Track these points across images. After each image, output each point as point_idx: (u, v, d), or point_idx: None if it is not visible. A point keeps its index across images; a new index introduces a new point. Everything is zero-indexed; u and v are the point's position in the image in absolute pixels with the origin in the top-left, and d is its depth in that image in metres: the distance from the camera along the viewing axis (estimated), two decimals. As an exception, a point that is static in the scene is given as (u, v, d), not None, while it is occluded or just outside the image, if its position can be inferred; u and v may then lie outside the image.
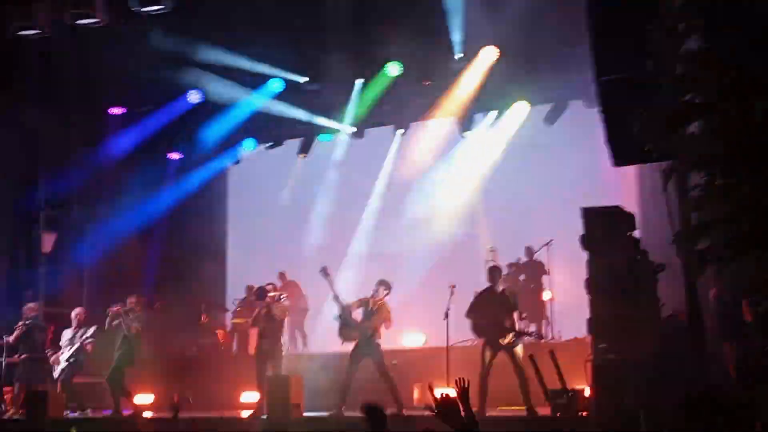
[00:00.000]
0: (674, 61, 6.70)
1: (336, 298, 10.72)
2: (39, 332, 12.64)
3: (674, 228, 6.77)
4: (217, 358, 14.34)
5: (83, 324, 12.26)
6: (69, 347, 12.10)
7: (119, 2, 11.17)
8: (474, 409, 4.54)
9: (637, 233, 8.62)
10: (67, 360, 12.04)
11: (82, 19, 11.34)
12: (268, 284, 11.46)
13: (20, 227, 15.33)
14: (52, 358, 12.29)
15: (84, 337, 12.05)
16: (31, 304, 12.76)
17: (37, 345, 12.50)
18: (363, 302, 10.73)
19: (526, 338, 10.02)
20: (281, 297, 11.36)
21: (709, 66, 5.01)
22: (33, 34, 11.64)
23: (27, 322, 12.41)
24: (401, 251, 15.04)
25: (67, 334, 12.28)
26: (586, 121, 13.51)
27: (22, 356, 12.33)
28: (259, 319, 11.11)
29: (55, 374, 12.14)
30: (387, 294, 10.73)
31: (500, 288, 10.10)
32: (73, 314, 12.43)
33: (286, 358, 11.33)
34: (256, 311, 11.28)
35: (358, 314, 10.71)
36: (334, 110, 15.32)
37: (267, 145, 16.58)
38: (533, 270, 13.47)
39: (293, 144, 16.52)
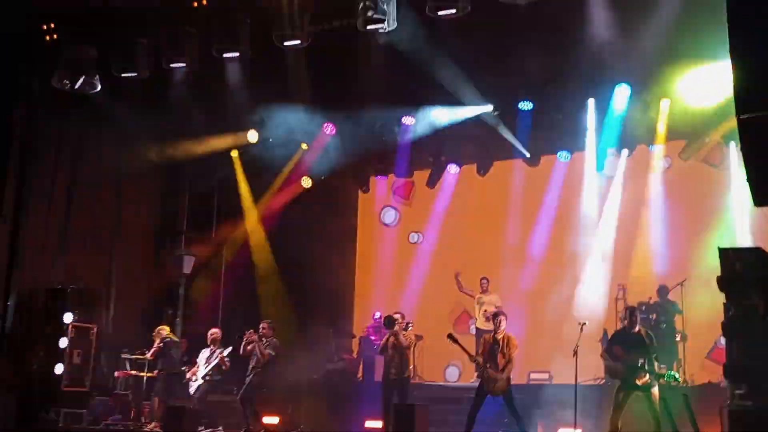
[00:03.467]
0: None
1: (471, 357, 10.79)
2: (175, 348, 13.30)
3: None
4: (343, 383, 14.57)
5: (219, 343, 12.76)
6: (206, 365, 12.61)
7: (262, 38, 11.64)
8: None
9: (779, 276, 8.30)
10: (203, 378, 12.54)
11: (226, 52, 11.91)
12: (396, 313, 11.59)
13: (163, 249, 16.18)
14: (188, 375, 12.81)
15: (221, 355, 12.51)
16: (162, 326, 13.47)
17: (173, 361, 13.16)
18: (487, 341, 10.74)
19: (668, 380, 9.72)
20: (408, 325, 11.50)
21: None
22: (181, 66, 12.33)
23: (165, 340, 13.06)
24: (529, 287, 14.96)
25: (204, 353, 12.80)
26: (724, 158, 13.21)
27: (161, 372, 13.00)
28: (386, 346, 11.27)
29: (191, 390, 12.65)
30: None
31: (636, 328, 9.89)
32: (209, 334, 12.95)
33: (413, 386, 11.42)
34: (384, 339, 11.45)
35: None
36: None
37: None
38: (665, 310, 13.09)
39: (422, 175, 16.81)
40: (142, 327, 14.79)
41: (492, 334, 10.73)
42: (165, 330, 13.35)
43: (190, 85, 13.13)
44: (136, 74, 12.17)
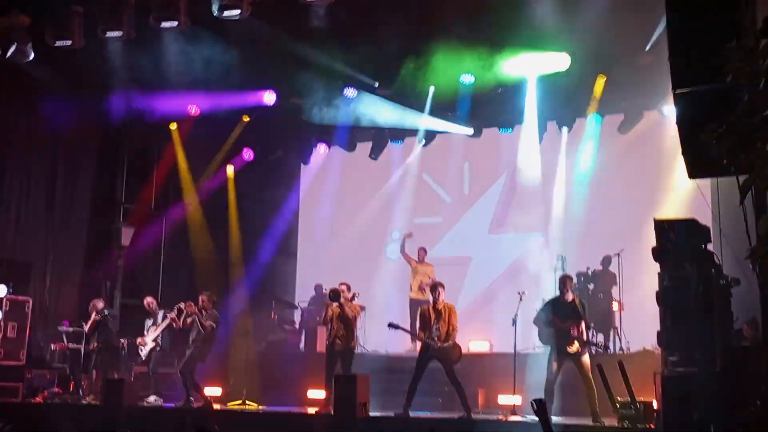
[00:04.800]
0: (754, 76, 6.63)
1: (415, 336, 10.81)
2: (113, 322, 13.18)
3: (750, 243, 6.70)
4: (285, 354, 14.57)
5: (156, 311, 12.82)
6: (155, 330, 12.71)
7: (201, 7, 11.40)
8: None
9: (711, 247, 8.54)
10: (153, 342, 12.64)
11: (165, 21, 11.62)
12: (341, 284, 11.58)
13: (100, 220, 15.88)
14: (138, 340, 12.78)
15: (163, 320, 12.59)
16: (97, 299, 13.32)
17: (112, 334, 13.06)
18: (427, 314, 10.78)
19: (594, 348, 10.00)
20: (355, 297, 11.52)
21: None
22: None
23: (102, 313, 12.91)
24: (470, 256, 15.11)
25: (148, 323, 12.90)
26: (661, 132, 13.46)
27: (98, 345, 12.88)
28: (331, 318, 11.26)
29: (143, 354, 12.76)
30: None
31: (570, 297, 10.10)
32: (145, 304, 12.97)
33: (356, 357, 11.47)
34: (327, 310, 11.44)
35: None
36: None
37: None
38: (603, 279, 13.35)
39: (364, 147, 16.77)
40: (79, 299, 14.60)
41: (431, 305, 10.80)
42: (101, 303, 13.20)
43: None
44: (70, 43, 11.82)
